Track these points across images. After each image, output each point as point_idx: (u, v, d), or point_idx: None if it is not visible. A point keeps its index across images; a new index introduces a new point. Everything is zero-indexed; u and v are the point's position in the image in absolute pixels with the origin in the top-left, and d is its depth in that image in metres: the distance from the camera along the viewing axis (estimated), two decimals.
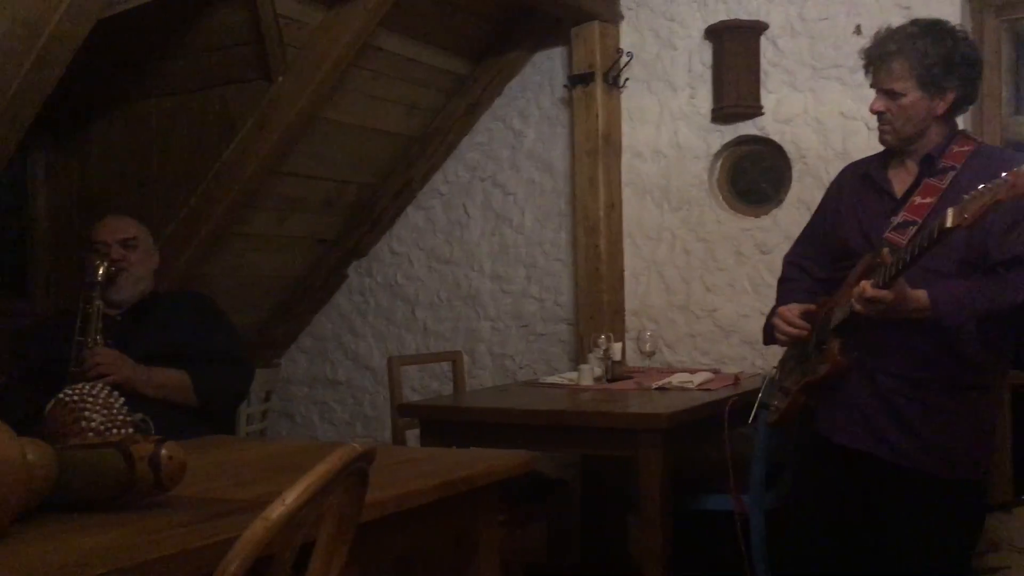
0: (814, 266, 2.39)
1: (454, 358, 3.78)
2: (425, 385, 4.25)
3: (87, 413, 1.64)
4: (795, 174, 3.60)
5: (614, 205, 3.83)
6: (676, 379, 3.20)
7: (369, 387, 4.41)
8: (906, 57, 2.14)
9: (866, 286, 2.04)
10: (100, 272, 2.57)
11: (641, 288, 3.85)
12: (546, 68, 3.99)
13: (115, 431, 1.64)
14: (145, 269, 2.73)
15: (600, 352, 3.39)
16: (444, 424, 2.99)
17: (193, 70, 3.47)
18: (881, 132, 2.24)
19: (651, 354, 3.53)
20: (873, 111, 2.22)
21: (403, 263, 4.34)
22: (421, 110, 4.01)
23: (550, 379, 3.48)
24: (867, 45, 2.24)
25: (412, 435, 3.41)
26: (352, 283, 4.45)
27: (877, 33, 2.23)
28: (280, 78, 3.32)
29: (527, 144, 4.06)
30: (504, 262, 4.12)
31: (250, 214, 3.74)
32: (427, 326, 4.29)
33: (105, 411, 1.65)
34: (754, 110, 3.60)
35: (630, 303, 3.86)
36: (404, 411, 3.16)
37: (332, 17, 3.25)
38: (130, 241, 2.70)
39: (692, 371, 3.37)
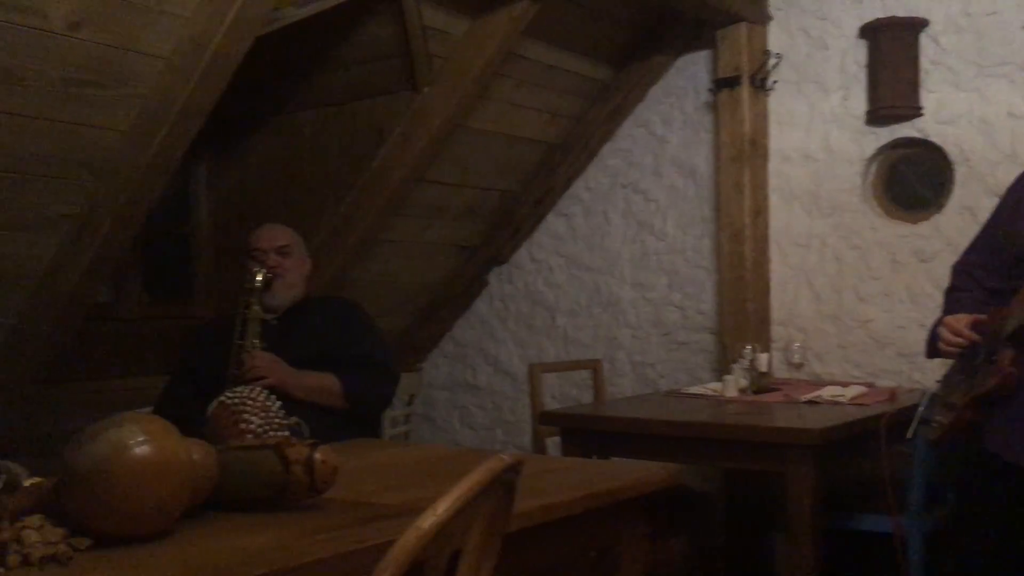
0: (986, 275, 2.24)
1: (594, 366, 3.76)
2: (564, 392, 4.24)
3: (246, 415, 1.70)
4: (958, 178, 3.40)
5: (760, 211, 3.72)
6: (827, 392, 3.08)
7: (509, 393, 4.44)
8: None
9: None
10: (258, 279, 2.66)
11: (788, 297, 3.72)
12: (690, 72, 3.92)
13: (272, 434, 1.70)
14: (298, 275, 2.82)
15: (745, 362, 3.29)
16: (585, 433, 2.97)
17: (344, 82, 3.58)
18: None
19: (800, 366, 3.41)
20: None
21: (543, 270, 4.35)
22: (563, 117, 4.01)
23: (693, 389, 3.41)
24: None
25: (552, 443, 3.40)
26: (493, 289, 4.48)
27: None
28: (426, 88, 3.38)
29: (670, 150, 4.00)
30: (645, 269, 4.07)
31: (396, 221, 3.83)
32: (567, 333, 4.28)
33: (263, 414, 1.71)
34: (913, 111, 3.43)
35: (777, 312, 3.74)
36: (545, 419, 3.15)
37: (477, 27, 3.29)
38: (285, 248, 2.79)
39: (844, 384, 3.24)
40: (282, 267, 2.76)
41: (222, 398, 1.76)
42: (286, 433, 1.73)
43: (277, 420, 1.73)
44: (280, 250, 2.78)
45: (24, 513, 1.30)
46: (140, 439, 1.31)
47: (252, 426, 1.69)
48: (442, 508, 1.05)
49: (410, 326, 4.41)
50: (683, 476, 2.21)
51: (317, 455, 1.49)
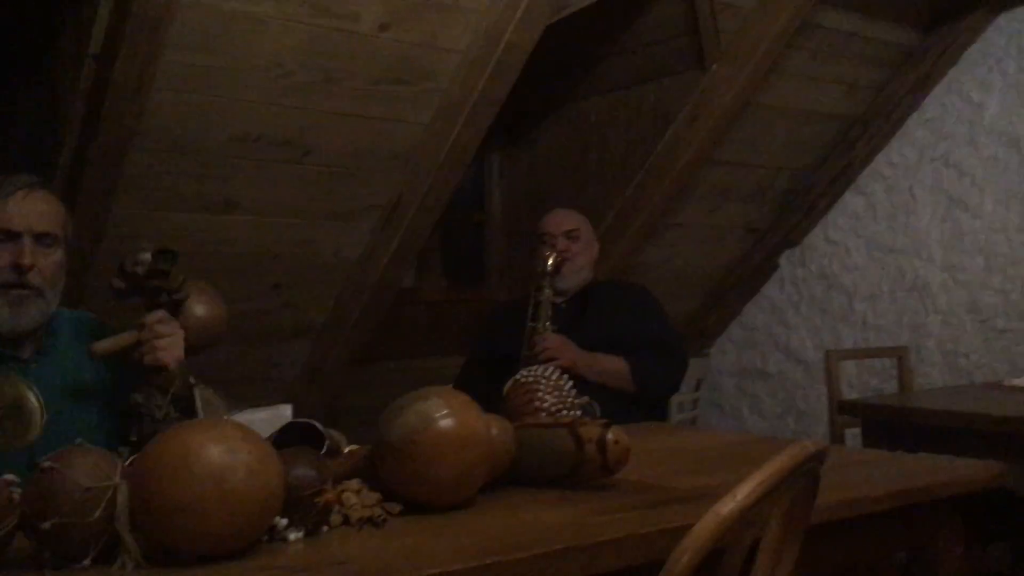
0: None
1: (900, 354, 3.49)
2: (864, 382, 3.98)
3: (540, 394, 1.74)
4: None
5: None
6: None
7: (802, 381, 4.24)
8: None
9: None
10: (549, 262, 2.73)
11: None
12: (1013, 30, 3.52)
13: (565, 413, 1.73)
14: (586, 259, 2.85)
15: None
16: (889, 425, 2.76)
17: (629, 66, 3.58)
18: None
19: None
20: None
21: (840, 252, 4.10)
22: (863, 88, 3.75)
23: (1017, 382, 3.06)
24: None
25: (851, 435, 3.21)
26: (784, 273, 4.30)
27: None
28: (714, 66, 3.29)
29: (988, 117, 3.62)
30: (958, 250, 3.72)
31: (682, 204, 3.78)
32: (866, 319, 4.01)
33: (556, 393, 1.74)
34: None
35: None
36: (844, 409, 2.97)
37: None
38: (573, 232, 2.83)
39: None
40: (571, 251, 2.81)
41: (517, 377, 1.81)
42: (578, 413, 1.75)
43: (570, 400, 1.75)
44: (569, 234, 2.83)
45: (344, 477, 1.41)
46: (444, 412, 1.37)
47: (546, 404, 1.73)
48: (742, 493, 1.00)
49: (697, 311, 4.34)
50: (1007, 477, 1.98)
51: (610, 435, 1.49)
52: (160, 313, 1.67)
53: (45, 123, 2.61)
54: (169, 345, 1.66)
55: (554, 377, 1.78)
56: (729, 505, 1.01)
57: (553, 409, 1.73)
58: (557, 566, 1.17)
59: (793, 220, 4.13)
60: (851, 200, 4.05)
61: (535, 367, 1.86)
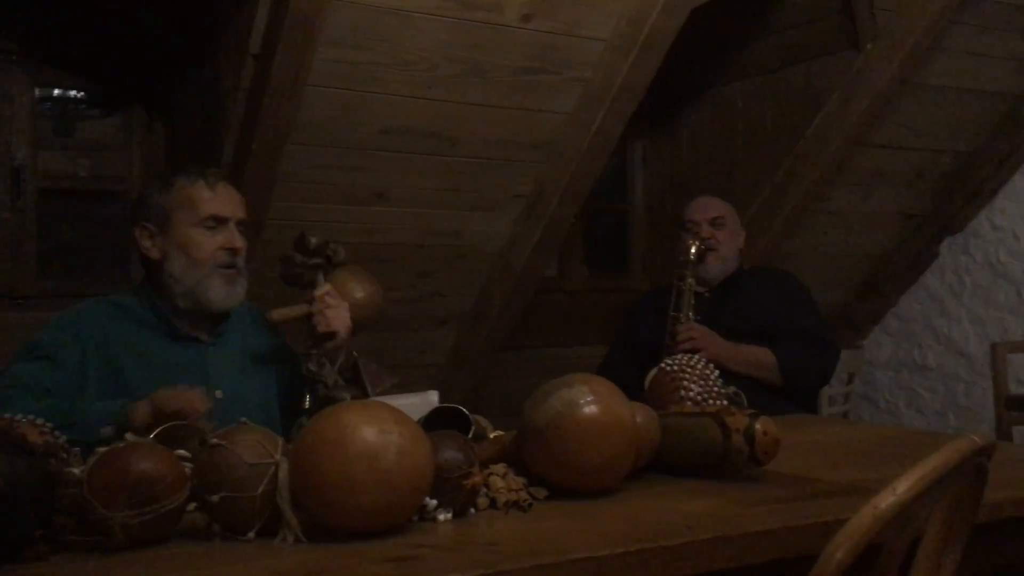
0: None
1: None
2: None
3: (686, 383, 1.72)
4: None
5: None
6: None
7: (964, 375, 4.02)
8: None
9: None
10: (692, 251, 2.68)
11: None
12: None
13: (711, 402, 1.70)
14: (732, 248, 2.79)
15: None
16: None
17: (776, 48, 3.47)
18: None
19: None
20: None
21: (1007, 239, 3.86)
22: None
23: None
24: None
25: (1019, 432, 3.03)
26: (944, 261, 4.08)
27: None
28: (869, 45, 3.15)
29: None
30: None
31: (833, 190, 3.64)
32: None
33: (702, 382, 1.72)
34: None
35: None
36: (1013, 404, 2.80)
37: None
38: (718, 220, 2.78)
39: None
40: (716, 239, 2.75)
41: (662, 365, 1.80)
42: (724, 402, 1.72)
43: (716, 389, 1.73)
44: (714, 222, 2.77)
45: (490, 461, 1.43)
46: (589, 399, 1.37)
47: (691, 393, 1.70)
48: (902, 488, 0.96)
49: (849, 301, 4.17)
50: None
51: (758, 425, 1.46)
52: (328, 286, 1.80)
53: (208, 120, 2.76)
54: (337, 315, 1.77)
55: (699, 366, 1.75)
56: (888, 499, 0.97)
57: (699, 398, 1.70)
58: (705, 556, 1.16)
59: (955, 206, 3.91)
60: (1020, 183, 3.80)
61: (680, 356, 1.83)
